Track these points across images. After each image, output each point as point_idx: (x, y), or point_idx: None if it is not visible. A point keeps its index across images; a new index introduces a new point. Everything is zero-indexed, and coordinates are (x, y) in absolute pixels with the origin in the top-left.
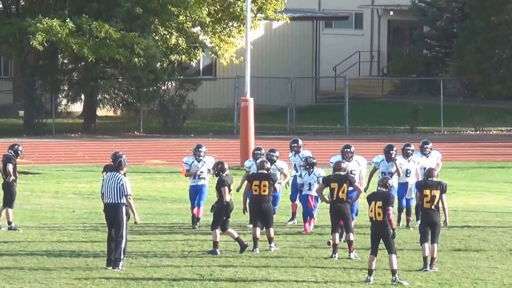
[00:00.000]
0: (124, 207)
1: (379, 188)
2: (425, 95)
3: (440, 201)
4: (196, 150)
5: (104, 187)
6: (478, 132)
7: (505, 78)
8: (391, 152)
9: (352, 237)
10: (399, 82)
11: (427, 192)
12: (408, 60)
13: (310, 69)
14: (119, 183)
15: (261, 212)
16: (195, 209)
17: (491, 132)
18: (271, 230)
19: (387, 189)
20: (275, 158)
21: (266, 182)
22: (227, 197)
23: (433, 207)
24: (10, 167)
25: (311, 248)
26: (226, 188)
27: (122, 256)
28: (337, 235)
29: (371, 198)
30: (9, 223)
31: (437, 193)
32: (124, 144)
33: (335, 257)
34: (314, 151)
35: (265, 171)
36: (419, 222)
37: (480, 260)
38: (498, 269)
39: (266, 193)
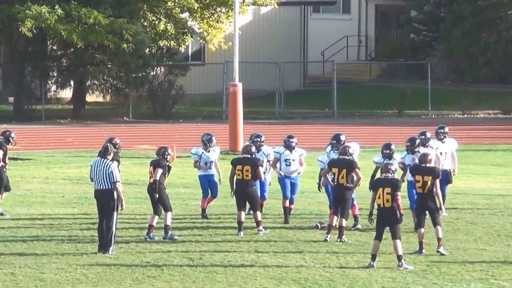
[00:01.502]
0: (114, 193)
1: (383, 174)
2: (412, 79)
3: (434, 187)
4: (209, 141)
5: (93, 174)
6: (465, 115)
7: (492, 61)
8: (407, 144)
9: (344, 223)
10: (386, 66)
11: (419, 178)
12: (396, 44)
13: (298, 54)
14: (108, 169)
15: (244, 196)
16: (207, 200)
17: (478, 115)
18: (258, 213)
19: (392, 175)
20: (259, 142)
21: (249, 167)
22: (153, 178)
23: (425, 191)
24: (0, 153)
25: (300, 232)
26: (160, 169)
27: (112, 241)
28: (335, 217)
29: (377, 185)
30: None
31: (429, 179)
32: (113, 130)
33: (327, 238)
34: (302, 136)
35: (249, 156)
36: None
37: (468, 242)
38: (486, 251)
39: (249, 177)
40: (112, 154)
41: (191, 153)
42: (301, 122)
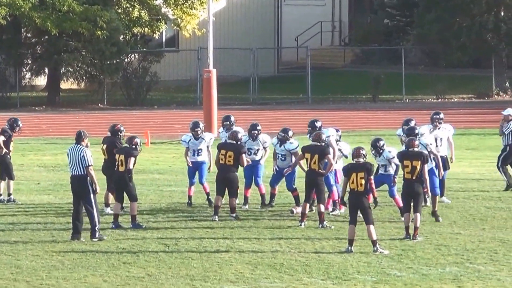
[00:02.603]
0: (88, 178)
1: (355, 159)
2: (386, 64)
3: (421, 172)
4: (194, 130)
5: (68, 160)
6: (439, 100)
7: (466, 46)
8: (407, 134)
9: (322, 208)
10: (360, 52)
11: (408, 163)
12: (369, 29)
13: (272, 39)
14: (81, 154)
15: (225, 181)
16: (193, 188)
17: (452, 100)
18: (234, 200)
19: (363, 159)
20: (256, 134)
21: (232, 153)
22: (128, 168)
23: (414, 177)
24: (1, 139)
25: (276, 217)
26: (133, 158)
27: (98, 225)
28: (307, 205)
29: (351, 170)
30: (9, 194)
31: (417, 164)
32: (88, 117)
33: (301, 225)
34: (277, 121)
35: (234, 142)
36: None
37: (443, 226)
38: (461, 234)
39: (231, 163)
40: (86, 140)
41: (181, 140)
42: (275, 107)
